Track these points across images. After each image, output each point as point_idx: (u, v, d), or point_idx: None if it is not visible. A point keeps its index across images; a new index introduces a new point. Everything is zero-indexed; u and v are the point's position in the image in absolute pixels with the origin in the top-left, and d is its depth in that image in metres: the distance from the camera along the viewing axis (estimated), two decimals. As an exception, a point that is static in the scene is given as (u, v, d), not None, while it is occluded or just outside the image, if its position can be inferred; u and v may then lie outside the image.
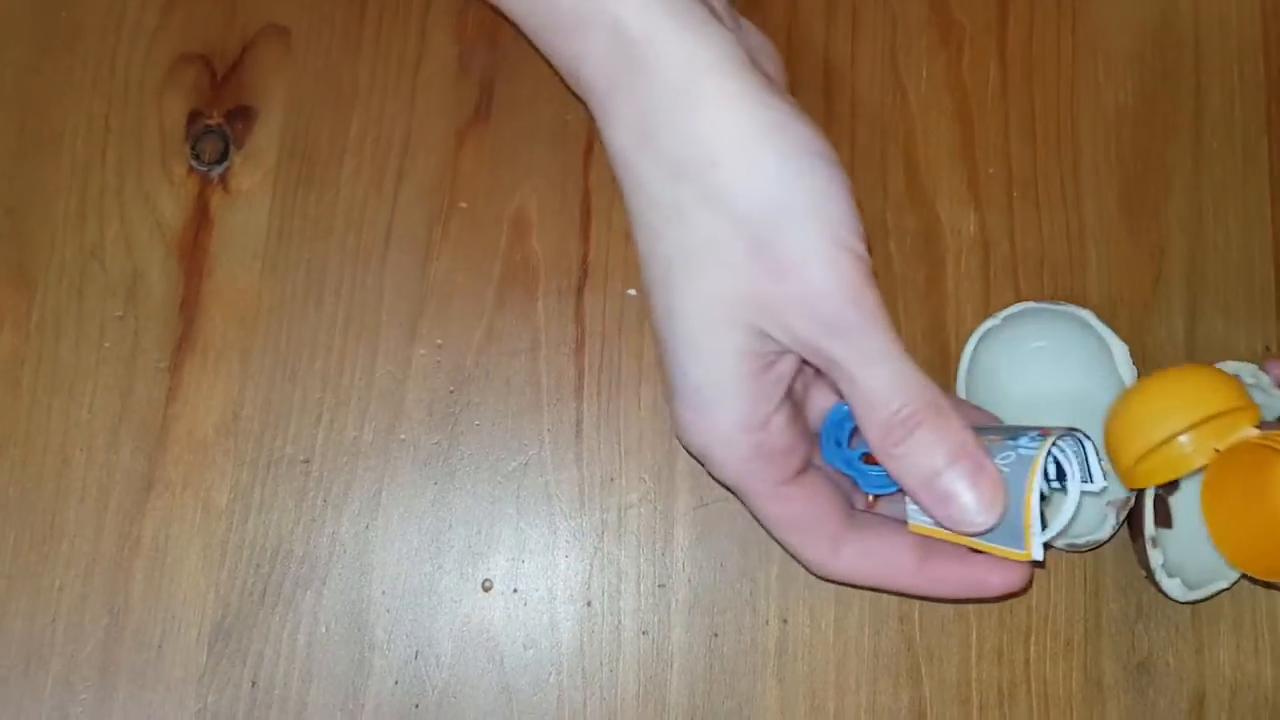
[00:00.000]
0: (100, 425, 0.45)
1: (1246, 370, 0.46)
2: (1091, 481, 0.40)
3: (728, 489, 0.41)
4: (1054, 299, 0.48)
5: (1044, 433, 0.39)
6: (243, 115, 0.48)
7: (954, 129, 0.50)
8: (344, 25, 0.50)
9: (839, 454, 0.42)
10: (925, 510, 0.39)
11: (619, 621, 0.46)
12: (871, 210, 0.49)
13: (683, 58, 0.37)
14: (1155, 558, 0.44)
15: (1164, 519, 0.45)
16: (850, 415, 0.41)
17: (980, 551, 0.40)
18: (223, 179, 0.48)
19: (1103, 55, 0.52)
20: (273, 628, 0.44)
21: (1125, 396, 0.44)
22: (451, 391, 0.47)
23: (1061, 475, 0.40)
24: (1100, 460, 0.40)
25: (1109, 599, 0.47)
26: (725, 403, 0.38)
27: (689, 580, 0.46)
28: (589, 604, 0.46)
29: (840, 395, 0.40)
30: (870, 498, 0.43)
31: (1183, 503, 0.46)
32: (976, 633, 0.46)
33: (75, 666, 0.44)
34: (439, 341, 0.47)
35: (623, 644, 0.45)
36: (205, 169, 0.48)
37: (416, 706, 0.44)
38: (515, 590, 0.46)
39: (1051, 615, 0.47)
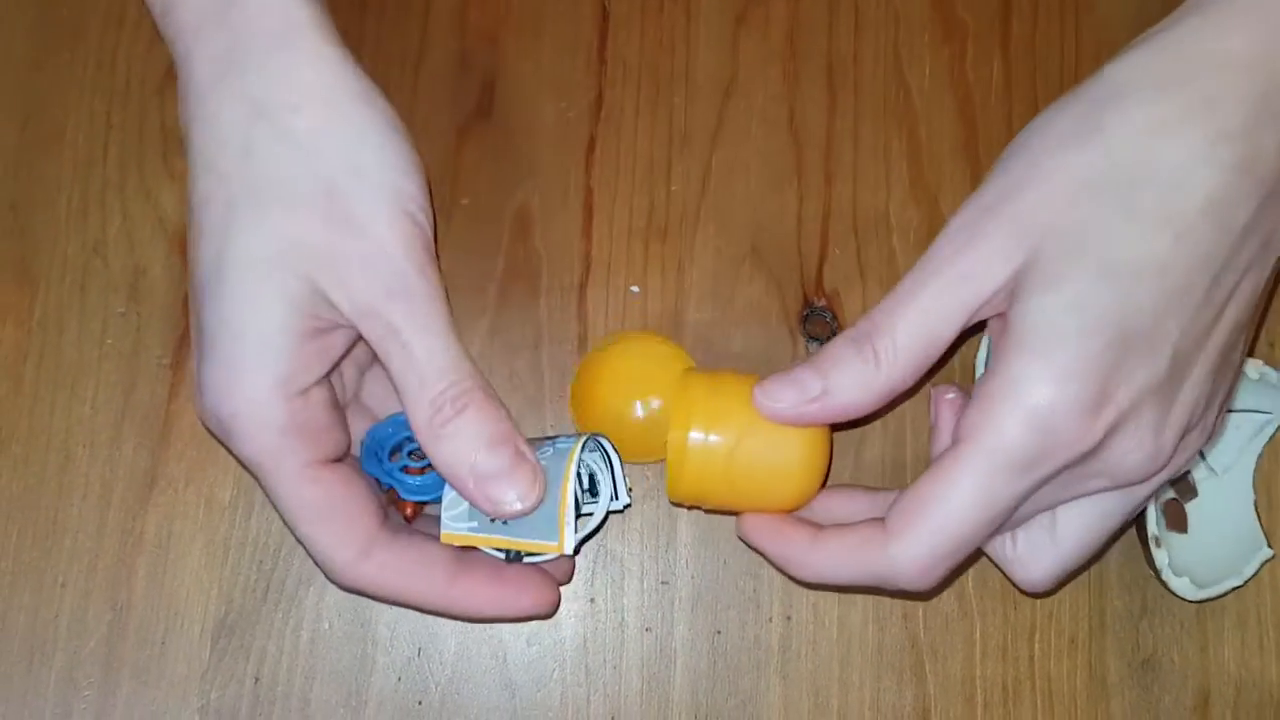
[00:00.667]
0: (103, 421, 0.45)
1: (1252, 366, 0.45)
2: (617, 499, 0.42)
3: (249, 469, 0.38)
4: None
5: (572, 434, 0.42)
6: (245, 111, 0.48)
7: (957, 125, 0.50)
8: (345, 21, 0.49)
9: (379, 466, 0.41)
10: (465, 494, 0.38)
11: (622, 618, 0.45)
12: (875, 206, 0.49)
13: (281, 9, 0.38)
14: (1160, 557, 0.44)
15: (1178, 523, 0.45)
16: (391, 434, 0.41)
17: (512, 562, 0.41)
18: (225, 175, 0.48)
19: (1107, 51, 0.51)
20: (276, 624, 0.44)
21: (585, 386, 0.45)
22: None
23: (594, 488, 0.42)
24: (624, 475, 0.42)
25: (1113, 596, 0.47)
26: (266, 358, 0.36)
27: (692, 577, 0.46)
28: (592, 600, 0.46)
29: (390, 374, 0.38)
30: (409, 510, 0.42)
31: (1199, 508, 0.46)
32: (981, 630, 0.46)
33: (78, 663, 0.44)
34: (442, 338, 0.47)
35: (626, 641, 0.45)
36: (208, 165, 0.48)
37: (419, 703, 0.44)
38: (518, 587, 0.46)
39: (1056, 612, 0.47)
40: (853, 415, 0.38)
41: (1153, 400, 0.35)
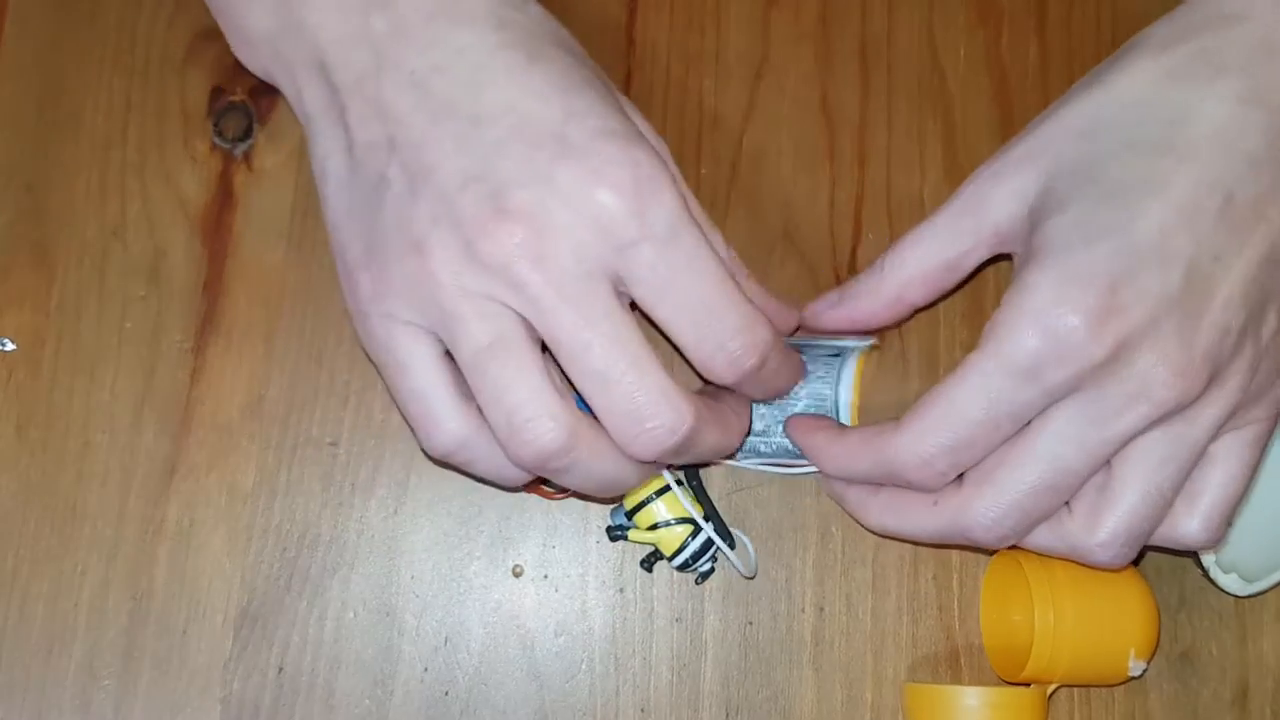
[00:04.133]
0: (122, 407, 0.45)
1: None
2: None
3: (646, 244, 0.35)
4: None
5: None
6: (266, 91, 0.47)
7: (993, 109, 0.49)
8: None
9: None
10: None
11: (652, 608, 0.45)
12: (909, 189, 0.48)
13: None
14: (1207, 555, 0.43)
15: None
16: None
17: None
18: (246, 156, 0.47)
19: (1144, 33, 0.51)
20: (300, 613, 0.43)
21: None
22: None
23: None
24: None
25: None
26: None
27: (723, 567, 0.45)
28: (621, 590, 0.45)
29: None
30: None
31: (1244, 500, 0.45)
32: (1016, 621, 0.46)
33: (98, 652, 0.43)
34: (468, 323, 0.46)
35: (655, 632, 0.45)
36: (228, 146, 0.47)
37: (446, 694, 0.44)
38: (546, 576, 0.45)
39: (1093, 604, 0.46)
40: (869, 321, 0.43)
41: (1172, 314, 0.36)
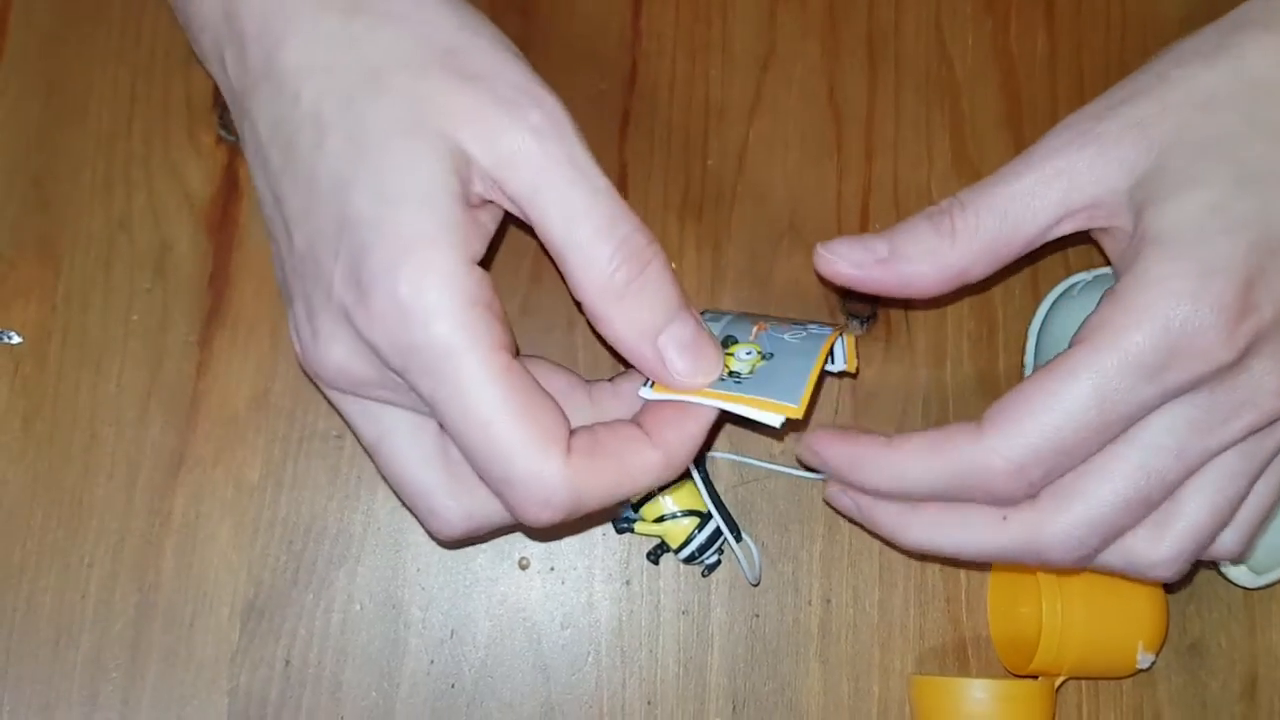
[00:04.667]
0: (129, 400, 0.45)
1: None
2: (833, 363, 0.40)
3: (421, 373, 0.32)
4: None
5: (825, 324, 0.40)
6: (272, 84, 0.47)
7: (1000, 99, 0.49)
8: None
9: None
10: (648, 364, 0.35)
11: (658, 601, 0.45)
12: (917, 180, 0.48)
13: None
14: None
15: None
16: None
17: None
18: (252, 149, 0.47)
19: (1153, 23, 0.50)
20: (306, 606, 0.43)
21: None
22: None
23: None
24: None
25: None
26: (440, 220, 0.32)
27: (729, 559, 0.45)
28: (628, 583, 0.45)
29: (548, 234, 0.34)
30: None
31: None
32: (1023, 614, 0.45)
33: (105, 645, 0.43)
34: (474, 315, 0.46)
35: (662, 624, 0.44)
36: (234, 139, 0.47)
37: (452, 686, 0.44)
38: (552, 569, 0.45)
39: (1101, 596, 0.46)
40: (918, 289, 0.36)
41: None
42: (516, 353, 0.34)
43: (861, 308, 0.47)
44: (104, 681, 0.43)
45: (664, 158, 0.48)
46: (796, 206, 0.48)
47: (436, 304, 0.32)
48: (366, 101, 0.33)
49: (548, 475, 0.32)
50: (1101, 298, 0.34)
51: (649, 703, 0.44)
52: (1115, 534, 0.35)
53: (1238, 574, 0.43)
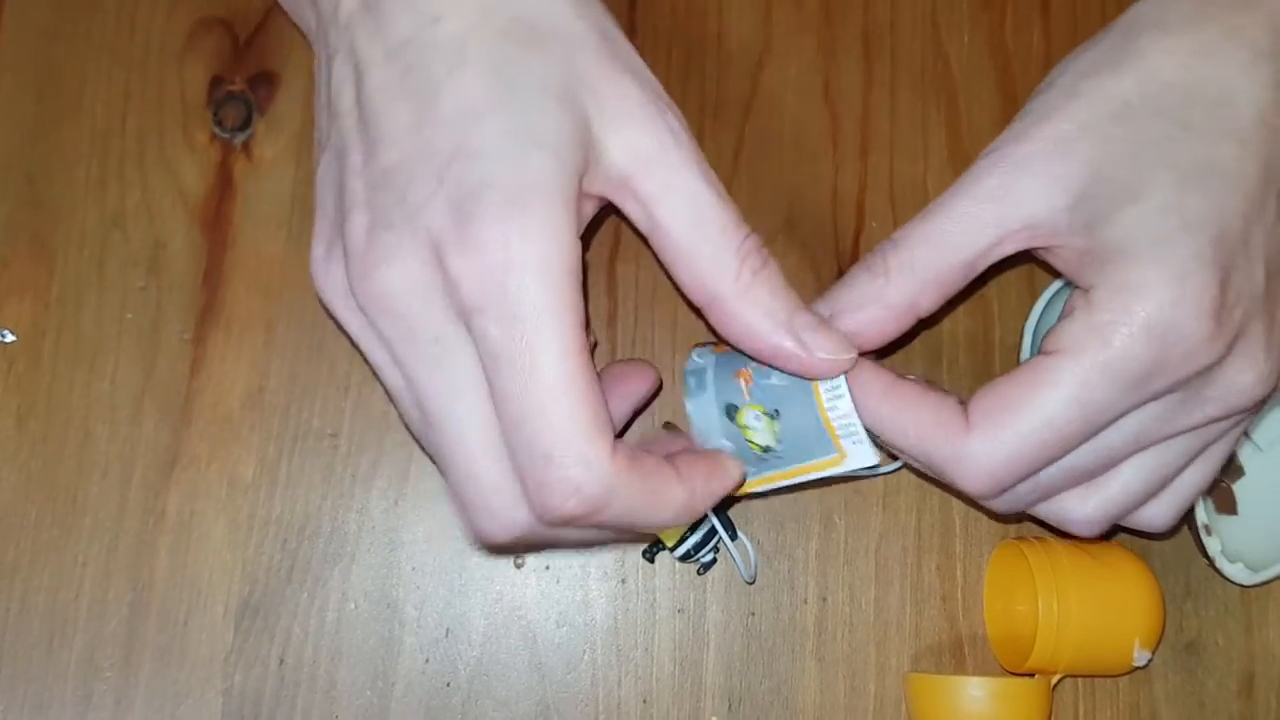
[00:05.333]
0: (122, 398, 0.44)
1: None
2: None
3: (488, 319, 0.31)
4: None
5: None
6: (266, 81, 0.47)
7: (997, 95, 0.49)
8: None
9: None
10: (782, 353, 0.34)
11: (654, 599, 0.44)
12: (913, 176, 0.48)
13: None
14: (1213, 545, 0.43)
15: (1227, 505, 0.44)
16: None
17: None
18: (246, 146, 0.47)
19: (1149, 19, 0.50)
20: (301, 605, 0.43)
21: None
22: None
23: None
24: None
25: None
26: (563, 173, 0.32)
27: (725, 557, 0.45)
28: (623, 581, 0.45)
29: (669, 234, 0.33)
30: None
31: (1248, 488, 0.45)
32: (1020, 612, 0.45)
33: (99, 644, 0.43)
34: (468, 313, 0.46)
35: (658, 622, 0.44)
36: (228, 136, 0.47)
37: (448, 685, 0.43)
38: (548, 567, 0.45)
39: (1097, 594, 0.45)
40: (869, 337, 0.36)
41: (1258, 315, 0.33)
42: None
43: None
44: (98, 681, 0.42)
45: (659, 154, 0.47)
46: (792, 203, 0.47)
47: (544, 259, 0.31)
48: (517, 49, 0.32)
49: (590, 461, 0.31)
50: (1066, 307, 0.34)
51: (645, 701, 0.44)
52: (1050, 493, 0.36)
53: (1234, 571, 0.43)
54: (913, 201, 0.48)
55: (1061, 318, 0.34)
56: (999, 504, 0.36)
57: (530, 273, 0.31)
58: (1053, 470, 0.35)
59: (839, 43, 0.49)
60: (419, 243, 0.32)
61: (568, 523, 0.32)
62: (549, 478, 0.32)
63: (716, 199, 0.33)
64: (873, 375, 0.36)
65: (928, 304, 0.36)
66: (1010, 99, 0.49)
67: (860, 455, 0.36)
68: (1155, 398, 0.34)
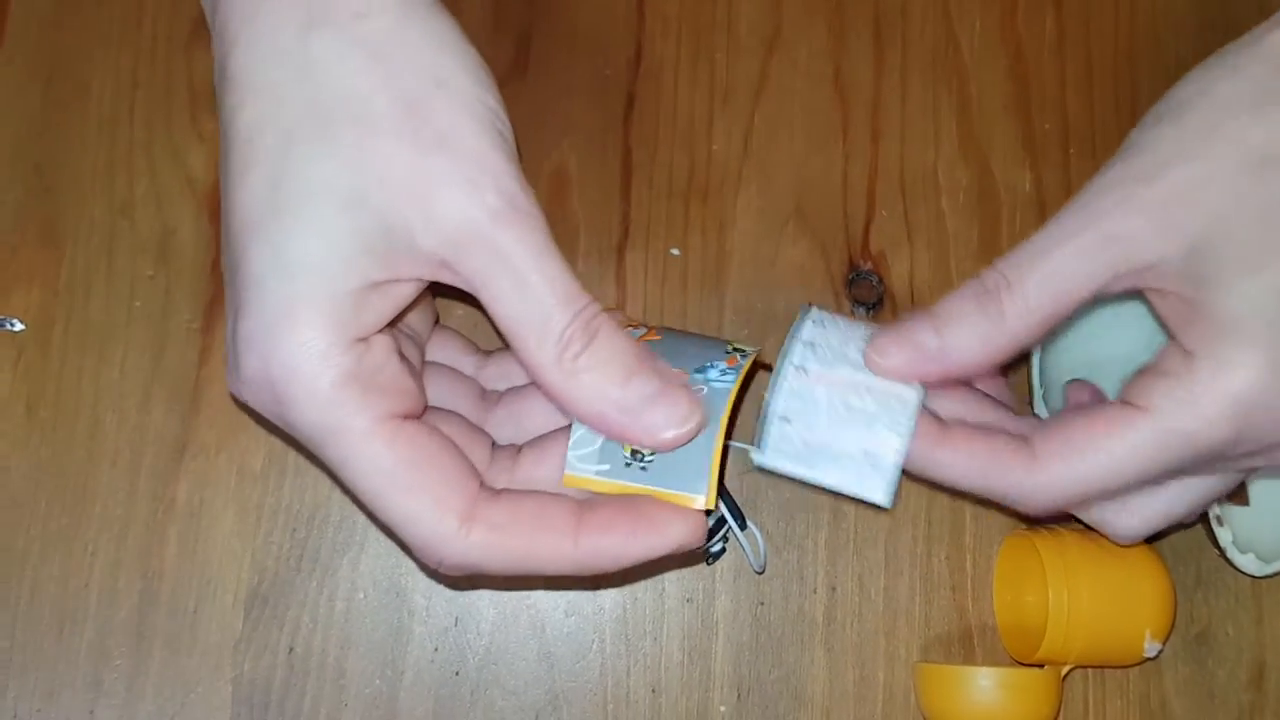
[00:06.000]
0: (132, 387, 0.44)
1: None
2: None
3: (313, 446, 0.32)
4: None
5: (729, 362, 0.36)
6: (274, 68, 0.47)
7: (1008, 82, 0.49)
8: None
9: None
10: (612, 431, 0.33)
11: (663, 589, 0.44)
12: (923, 165, 0.48)
13: None
14: (1224, 535, 0.43)
15: (1239, 495, 0.44)
16: None
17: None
18: (254, 134, 0.46)
19: (1162, 5, 0.50)
20: (310, 593, 0.43)
21: None
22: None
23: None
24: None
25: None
26: (322, 294, 0.31)
27: (734, 547, 0.45)
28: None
29: (496, 315, 0.32)
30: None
31: (1260, 479, 0.44)
32: (1030, 602, 0.45)
33: (109, 632, 0.43)
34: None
35: (666, 612, 0.44)
36: (236, 124, 0.46)
37: (456, 674, 0.43)
38: (556, 556, 0.45)
39: (1108, 584, 0.45)
40: (970, 373, 0.36)
41: None
42: (421, 408, 0.34)
43: (867, 294, 0.46)
44: (108, 669, 0.43)
45: (668, 141, 0.47)
46: (802, 191, 0.47)
47: (306, 385, 0.31)
48: (303, 149, 0.31)
49: (438, 544, 0.32)
50: (1161, 361, 0.34)
51: (653, 691, 0.44)
52: (1095, 505, 0.38)
53: (1245, 561, 0.43)
54: (923, 188, 0.47)
55: (1153, 367, 0.34)
56: (1039, 513, 0.37)
57: (298, 399, 0.31)
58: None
59: (849, 28, 0.49)
60: (229, 361, 0.33)
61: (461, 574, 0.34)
62: (416, 551, 0.33)
63: (538, 280, 0.32)
64: (924, 425, 0.36)
65: (1031, 343, 0.36)
66: (1022, 86, 0.48)
67: (701, 503, 0.34)
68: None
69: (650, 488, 0.34)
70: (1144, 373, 0.34)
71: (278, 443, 0.44)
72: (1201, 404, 0.33)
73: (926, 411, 0.36)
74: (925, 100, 0.48)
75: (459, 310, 0.45)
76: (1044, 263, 0.34)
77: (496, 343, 0.42)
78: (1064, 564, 0.42)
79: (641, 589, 0.44)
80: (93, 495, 0.44)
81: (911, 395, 0.36)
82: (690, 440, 0.34)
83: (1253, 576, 0.44)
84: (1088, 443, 0.34)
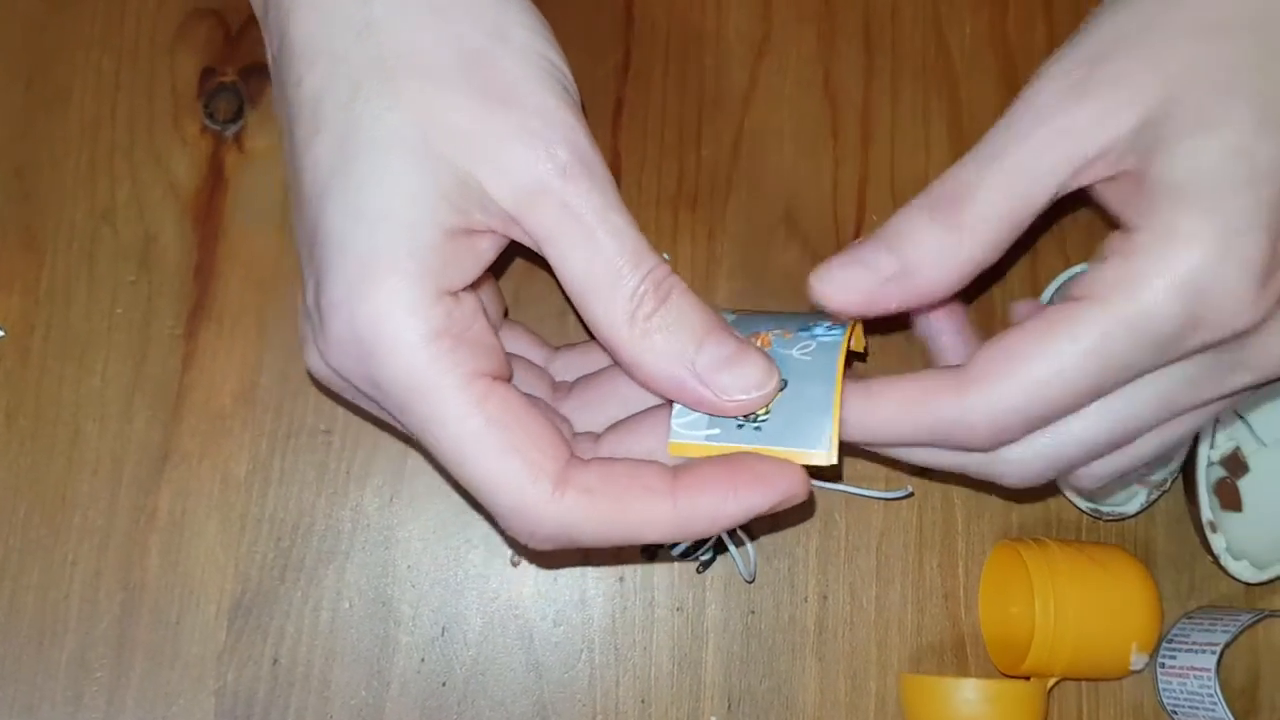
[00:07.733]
0: (113, 394, 0.44)
1: None
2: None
3: (401, 412, 0.31)
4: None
5: (833, 321, 0.34)
6: (258, 72, 0.46)
7: (999, 86, 0.48)
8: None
9: None
10: (688, 396, 0.32)
11: (652, 597, 0.44)
12: (913, 170, 0.47)
13: None
14: (1218, 543, 0.43)
15: (1232, 501, 0.44)
16: None
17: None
18: (237, 138, 0.46)
19: (1153, 10, 0.50)
20: (294, 603, 0.43)
21: None
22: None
23: None
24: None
25: (1160, 573, 0.45)
26: (413, 245, 0.30)
27: (724, 555, 0.44)
28: (621, 579, 0.44)
29: (564, 272, 0.31)
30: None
31: (1252, 484, 0.44)
32: (1022, 609, 0.45)
33: (90, 644, 0.42)
34: (464, 307, 0.45)
35: (656, 621, 0.44)
36: (219, 128, 0.46)
37: (443, 684, 0.43)
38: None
39: (1100, 592, 0.45)
40: (934, 299, 0.33)
41: None
42: (508, 374, 0.32)
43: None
44: (89, 681, 0.42)
45: (657, 147, 0.47)
46: (792, 196, 0.47)
47: (395, 338, 0.30)
48: (370, 104, 0.30)
49: (530, 510, 0.31)
50: (1103, 247, 0.31)
51: (643, 701, 0.43)
52: (1070, 470, 0.34)
53: (1239, 568, 0.43)
54: (914, 194, 0.47)
55: (1096, 261, 0.31)
56: (1011, 476, 0.33)
57: (390, 355, 0.30)
58: (1072, 447, 0.32)
59: (839, 33, 0.48)
60: (308, 335, 0.32)
61: (555, 546, 0.32)
62: (506, 524, 0.32)
63: (608, 237, 0.31)
64: (849, 390, 0.33)
65: (993, 257, 0.32)
66: (1013, 90, 0.47)
67: (823, 459, 0.32)
68: (1180, 359, 0.31)
69: (768, 448, 0.32)
70: (1090, 268, 0.31)
71: (262, 450, 0.44)
72: (1144, 281, 0.29)
73: (852, 377, 0.34)
74: (915, 105, 0.48)
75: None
76: (997, 168, 0.31)
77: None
78: (1050, 576, 0.41)
79: (631, 598, 0.44)
80: (73, 504, 0.43)
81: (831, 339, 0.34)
82: (764, 401, 0.32)
83: (1246, 584, 0.44)
84: (1024, 347, 0.31)
